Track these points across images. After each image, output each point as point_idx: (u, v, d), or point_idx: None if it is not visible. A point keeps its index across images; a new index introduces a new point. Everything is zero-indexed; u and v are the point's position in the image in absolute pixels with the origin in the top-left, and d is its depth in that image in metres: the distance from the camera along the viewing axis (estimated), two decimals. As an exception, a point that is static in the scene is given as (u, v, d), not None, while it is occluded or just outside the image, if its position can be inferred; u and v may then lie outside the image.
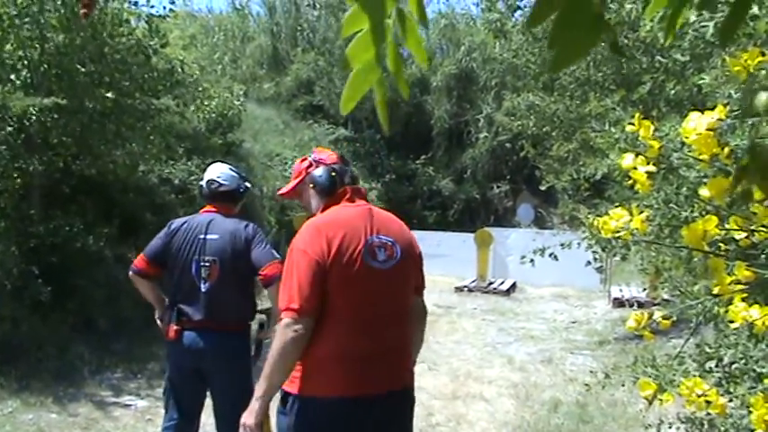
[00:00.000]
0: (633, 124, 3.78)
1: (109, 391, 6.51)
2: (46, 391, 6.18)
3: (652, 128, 1.30)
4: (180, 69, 8.52)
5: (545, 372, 7.85)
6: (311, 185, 2.89)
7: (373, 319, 2.66)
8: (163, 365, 7.19)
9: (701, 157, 1.36)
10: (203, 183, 4.01)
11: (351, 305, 2.63)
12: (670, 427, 3.30)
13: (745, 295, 1.33)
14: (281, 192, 3.17)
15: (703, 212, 2.51)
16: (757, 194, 1.28)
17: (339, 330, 2.61)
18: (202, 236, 3.81)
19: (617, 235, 1.27)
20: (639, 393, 1.91)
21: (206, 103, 10.58)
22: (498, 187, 21.80)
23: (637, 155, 1.28)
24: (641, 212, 1.30)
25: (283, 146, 16.50)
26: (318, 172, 2.88)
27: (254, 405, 2.63)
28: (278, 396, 2.72)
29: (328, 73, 20.86)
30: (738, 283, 1.18)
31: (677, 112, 6.40)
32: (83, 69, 7.51)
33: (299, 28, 22.80)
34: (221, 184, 3.94)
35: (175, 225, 4.00)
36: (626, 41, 9.70)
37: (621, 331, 10.32)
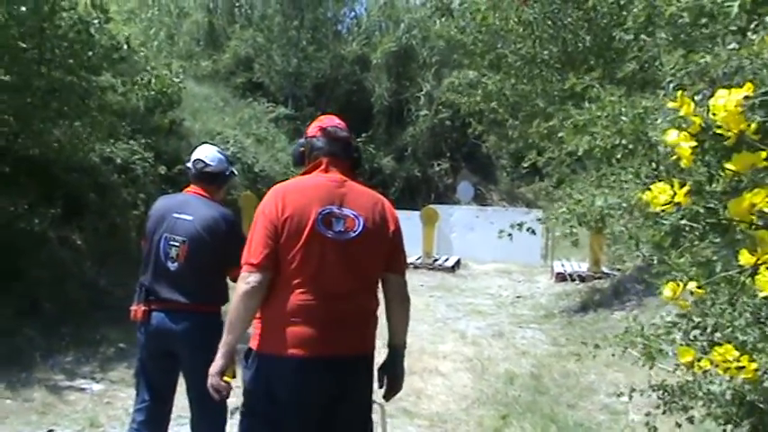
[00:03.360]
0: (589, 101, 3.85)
1: (62, 374, 6.37)
2: (-3, 377, 6.01)
3: (692, 105, 1.35)
4: (125, 46, 8.28)
5: (497, 346, 8.00)
6: None
7: (326, 286, 2.74)
8: (116, 349, 7.11)
9: (728, 134, 1.41)
10: (189, 162, 3.93)
11: (301, 270, 2.73)
12: (641, 395, 3.42)
13: (769, 265, 1.40)
14: None
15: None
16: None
17: (292, 293, 2.73)
18: (176, 214, 3.74)
19: (664, 207, 1.32)
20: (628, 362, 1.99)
21: (152, 81, 10.32)
22: (438, 165, 21.97)
23: (680, 131, 1.33)
24: (683, 186, 1.35)
25: (224, 124, 16.22)
26: (295, 144, 3.15)
27: (218, 354, 2.80)
28: None
29: (267, 50, 20.58)
30: (781, 253, 1.25)
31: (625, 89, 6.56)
32: (24, 45, 7.23)
33: (236, 4, 22.42)
34: (207, 165, 3.87)
35: (157, 201, 3.94)
36: (570, 20, 9.90)
37: (565, 304, 10.61)
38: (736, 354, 1.37)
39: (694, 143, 1.32)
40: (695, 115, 1.33)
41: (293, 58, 20.52)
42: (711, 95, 1.49)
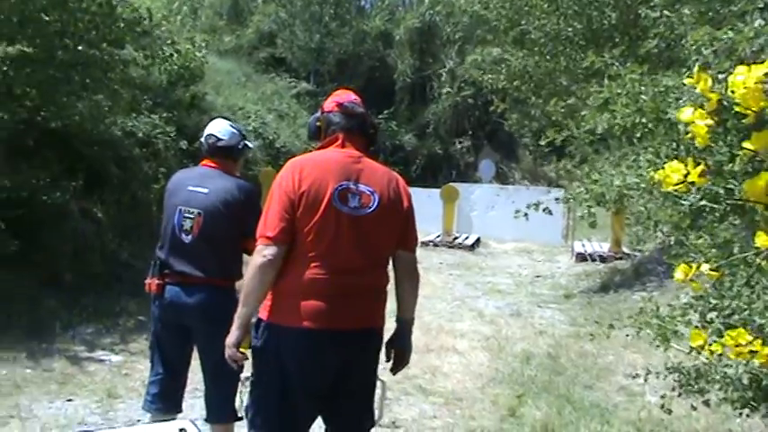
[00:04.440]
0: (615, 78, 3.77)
1: (81, 345, 6.44)
2: (18, 347, 6.07)
3: (709, 81, 1.30)
4: (148, 19, 8.27)
5: (515, 325, 7.98)
6: None
7: (339, 261, 2.76)
8: (135, 321, 7.18)
9: (747, 111, 1.37)
10: (203, 138, 3.91)
11: (316, 244, 2.74)
12: (657, 377, 3.38)
13: (784, 248, 1.36)
14: None
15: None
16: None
17: (304, 266, 2.75)
18: (192, 187, 3.72)
19: (676, 187, 1.28)
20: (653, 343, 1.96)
21: (174, 55, 10.31)
22: (460, 143, 21.90)
23: (696, 108, 1.29)
24: (697, 165, 1.31)
25: (246, 99, 16.24)
26: (311, 118, 3.13)
27: (233, 326, 2.82)
28: None
29: (290, 25, 20.54)
30: (797, 236, 1.21)
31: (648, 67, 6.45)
32: (47, 18, 7.24)
33: (259, -22, 22.34)
34: (219, 139, 3.83)
35: (175, 175, 3.95)
36: (595, -3, 9.74)
37: (585, 285, 10.55)
38: (749, 338, 1.33)
39: (710, 121, 1.28)
40: (712, 92, 1.29)
41: (316, 34, 20.46)
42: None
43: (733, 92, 1.37)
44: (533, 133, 19.65)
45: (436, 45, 22.15)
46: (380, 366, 3.01)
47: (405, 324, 3.03)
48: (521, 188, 17.80)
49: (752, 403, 2.96)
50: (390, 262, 2.96)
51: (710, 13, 4.72)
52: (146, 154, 10.35)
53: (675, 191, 1.30)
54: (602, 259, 11.99)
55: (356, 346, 2.85)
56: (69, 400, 5.16)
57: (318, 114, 3.04)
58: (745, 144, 1.41)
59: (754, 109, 1.36)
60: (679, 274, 1.38)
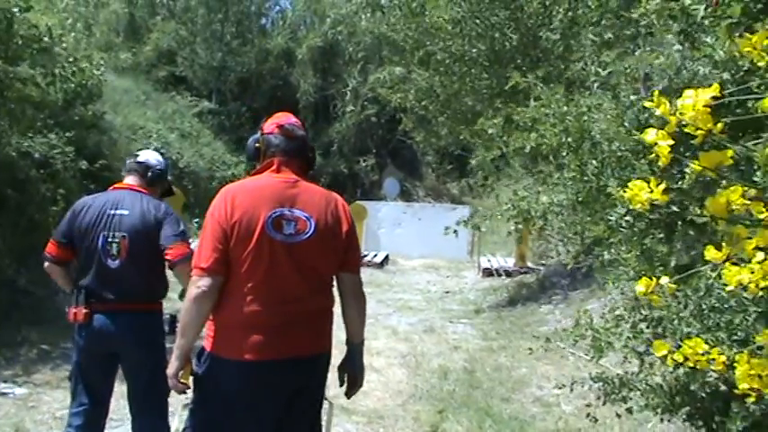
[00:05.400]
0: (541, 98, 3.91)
1: (-19, 379, 6.10)
2: None
3: (668, 104, 1.38)
4: (48, 37, 7.97)
5: (429, 341, 8.07)
6: None
7: (277, 290, 2.71)
8: (38, 350, 6.85)
9: (696, 132, 1.45)
10: (137, 166, 3.90)
11: (251, 275, 2.69)
12: (582, 387, 3.49)
13: (735, 260, 1.45)
14: None
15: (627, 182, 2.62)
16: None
17: (243, 298, 2.69)
18: (112, 211, 3.65)
19: (646, 205, 1.35)
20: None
21: (75, 72, 9.96)
22: (364, 161, 22.03)
23: (658, 130, 1.36)
24: (659, 184, 1.38)
25: (146, 118, 15.85)
26: (250, 140, 3.04)
27: (173, 357, 2.80)
28: None
29: (191, 43, 20.23)
30: (758, 248, 1.29)
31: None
32: (-63, 33, 6.89)
33: (157, -5, 21.92)
34: (139, 156, 3.86)
35: (82, 202, 3.80)
36: (497, 19, 10.06)
37: (493, 299, 10.79)
38: (706, 347, 1.41)
39: (672, 141, 1.36)
40: (671, 114, 1.36)
41: (217, 52, 20.24)
42: (640, 93, 1.53)
43: (682, 113, 1.45)
44: (436, 151, 20.08)
45: (339, 64, 22.27)
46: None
47: (355, 347, 3.01)
48: (426, 205, 18.11)
49: (671, 408, 3.10)
50: (335, 284, 2.94)
51: (606, 36, 4.95)
52: (43, 175, 9.93)
53: (642, 209, 1.36)
54: (508, 274, 12.30)
55: (305, 371, 2.82)
56: (-28, 438, 4.88)
57: (258, 136, 2.99)
58: (695, 162, 1.49)
59: (703, 130, 1.44)
60: (640, 287, 1.45)
